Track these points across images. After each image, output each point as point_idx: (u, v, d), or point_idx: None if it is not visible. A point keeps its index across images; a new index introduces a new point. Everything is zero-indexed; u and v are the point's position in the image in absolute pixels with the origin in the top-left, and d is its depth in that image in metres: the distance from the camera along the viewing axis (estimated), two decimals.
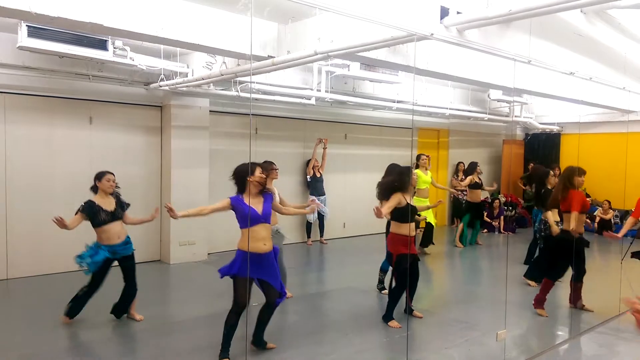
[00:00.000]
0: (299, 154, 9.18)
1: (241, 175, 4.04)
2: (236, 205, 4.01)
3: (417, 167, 8.46)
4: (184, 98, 7.45)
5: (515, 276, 6.92)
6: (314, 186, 8.86)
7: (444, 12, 3.97)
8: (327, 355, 4.36)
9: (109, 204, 4.81)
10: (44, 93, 6.53)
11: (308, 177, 8.91)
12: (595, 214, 11.06)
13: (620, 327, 5.31)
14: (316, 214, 8.90)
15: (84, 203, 4.76)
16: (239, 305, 4.01)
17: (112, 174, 4.89)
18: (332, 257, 8.54)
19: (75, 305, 4.91)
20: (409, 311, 5.23)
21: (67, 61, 6.33)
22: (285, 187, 8.04)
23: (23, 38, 5.21)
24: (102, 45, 5.75)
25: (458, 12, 4.01)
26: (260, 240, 4.04)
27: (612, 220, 10.90)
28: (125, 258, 4.93)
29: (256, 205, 4.05)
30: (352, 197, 9.68)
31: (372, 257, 7.30)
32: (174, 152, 7.45)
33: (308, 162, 8.96)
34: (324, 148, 8.87)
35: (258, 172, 4.08)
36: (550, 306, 5.74)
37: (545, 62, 5.09)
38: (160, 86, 6.83)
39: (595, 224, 10.94)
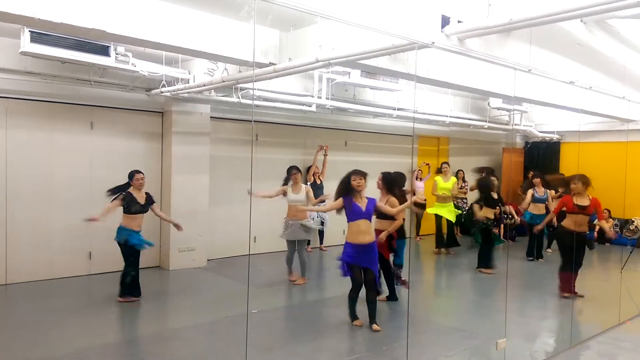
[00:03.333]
0: (300, 160, 9.18)
1: (346, 182, 5.13)
2: (346, 203, 5.08)
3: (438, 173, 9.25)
4: (185, 104, 7.47)
5: (516, 284, 6.91)
6: (314, 193, 8.84)
7: (445, 21, 3.99)
8: None
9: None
10: (46, 98, 6.55)
11: (308, 183, 8.91)
12: (594, 222, 11.04)
13: (621, 337, 5.30)
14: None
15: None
16: (355, 285, 5.13)
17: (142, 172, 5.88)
18: (331, 264, 8.51)
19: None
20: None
21: (69, 67, 6.35)
22: None
23: (26, 43, 5.24)
24: (104, 51, 5.78)
25: (459, 21, 4.04)
26: (360, 233, 4.99)
27: (611, 229, 10.88)
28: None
29: (361, 204, 5.07)
30: None
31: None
32: (174, 158, 7.46)
33: (308, 168, 8.97)
34: (325, 155, 8.89)
35: (355, 181, 5.07)
36: (549, 313, 5.73)
37: (545, 71, 5.11)
38: (162, 92, 6.85)
39: (595, 233, 10.92)
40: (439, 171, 9.34)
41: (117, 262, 7.02)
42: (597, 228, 10.91)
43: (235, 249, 8.20)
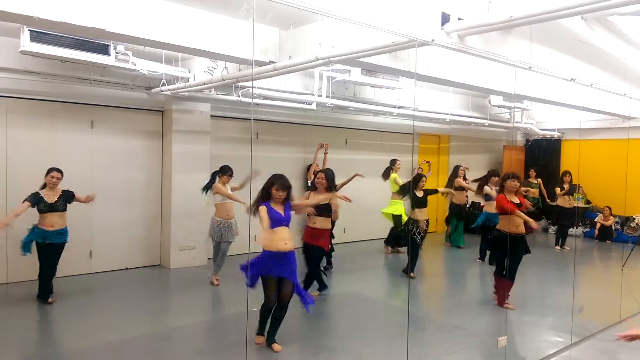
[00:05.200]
0: (300, 158, 9.19)
1: (267, 190, 4.52)
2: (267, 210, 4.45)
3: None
4: (185, 103, 7.47)
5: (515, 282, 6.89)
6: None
7: (445, 18, 3.98)
8: None
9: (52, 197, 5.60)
10: (46, 97, 6.55)
11: (309, 182, 8.89)
12: (595, 220, 11.05)
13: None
14: None
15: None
16: (269, 299, 4.48)
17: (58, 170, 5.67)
18: (332, 262, 8.52)
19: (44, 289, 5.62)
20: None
21: (69, 65, 6.34)
22: None
23: (25, 42, 5.23)
24: (104, 50, 5.77)
25: (459, 19, 4.03)
26: (282, 240, 4.41)
27: (612, 226, 10.87)
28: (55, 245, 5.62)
29: (279, 210, 4.49)
30: (353, 202, 9.65)
31: (373, 262, 7.30)
32: (175, 156, 7.46)
33: (309, 167, 8.96)
34: (325, 153, 8.88)
35: (278, 192, 4.46)
36: (550, 311, 5.72)
37: (546, 68, 5.09)
38: (162, 91, 6.84)
39: (596, 231, 10.92)
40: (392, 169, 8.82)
41: (119, 261, 7.06)
42: (598, 225, 10.92)
43: (235, 248, 8.17)
